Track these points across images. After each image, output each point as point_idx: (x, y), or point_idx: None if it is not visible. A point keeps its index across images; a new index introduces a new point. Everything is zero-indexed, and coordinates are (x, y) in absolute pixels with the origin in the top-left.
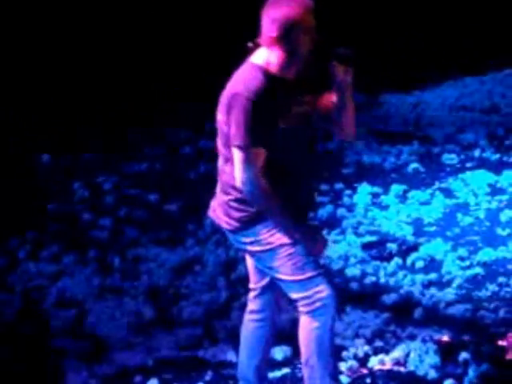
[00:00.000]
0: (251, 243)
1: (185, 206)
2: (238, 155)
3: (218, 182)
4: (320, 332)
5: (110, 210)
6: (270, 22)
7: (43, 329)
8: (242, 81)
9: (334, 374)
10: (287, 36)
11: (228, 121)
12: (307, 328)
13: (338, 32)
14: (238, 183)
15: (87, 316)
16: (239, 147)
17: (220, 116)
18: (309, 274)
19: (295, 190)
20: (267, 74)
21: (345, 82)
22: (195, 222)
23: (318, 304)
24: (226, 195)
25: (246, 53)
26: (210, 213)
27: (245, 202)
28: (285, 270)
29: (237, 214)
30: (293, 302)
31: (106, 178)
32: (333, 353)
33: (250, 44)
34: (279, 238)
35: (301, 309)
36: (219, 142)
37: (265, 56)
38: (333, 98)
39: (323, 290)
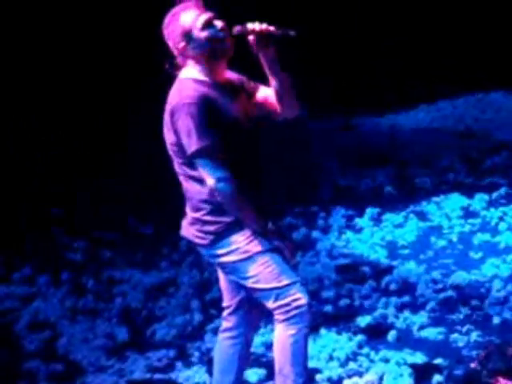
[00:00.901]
0: (227, 254)
1: (160, 227)
2: (199, 162)
3: (186, 202)
4: (295, 340)
5: (85, 232)
6: (171, 38)
7: (15, 352)
8: (178, 94)
9: (308, 382)
10: (191, 42)
11: (177, 137)
12: (282, 336)
13: (313, 57)
14: (212, 187)
15: (60, 338)
16: (198, 152)
17: (168, 139)
18: (286, 282)
19: (254, 193)
20: (199, 82)
21: (267, 56)
22: (170, 243)
23: (294, 312)
24: (197, 212)
25: (171, 74)
26: (183, 232)
27: (218, 213)
28: (261, 278)
29: (211, 228)
30: (269, 315)
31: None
32: (306, 361)
33: (167, 65)
34: (255, 245)
35: (277, 317)
36: (176, 166)
37: (188, 70)
38: (265, 88)
39: (300, 298)
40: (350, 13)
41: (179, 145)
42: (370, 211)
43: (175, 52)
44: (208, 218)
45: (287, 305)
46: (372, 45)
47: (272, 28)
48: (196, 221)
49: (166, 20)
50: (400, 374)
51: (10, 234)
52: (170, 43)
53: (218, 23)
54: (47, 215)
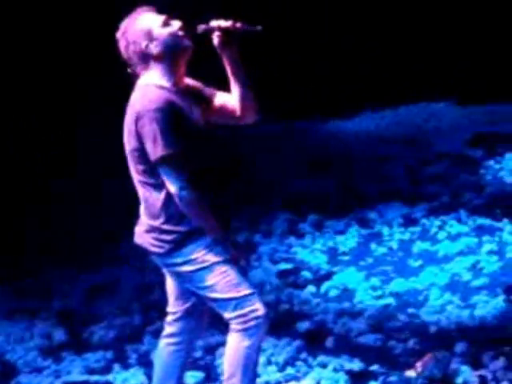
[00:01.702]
0: (184, 263)
1: (102, 229)
2: (163, 169)
3: (142, 208)
4: (249, 351)
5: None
6: (131, 42)
7: None
8: (142, 100)
9: None
10: (153, 41)
11: (140, 143)
12: (237, 345)
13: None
14: (174, 194)
15: None
16: (163, 159)
17: (129, 145)
18: (244, 292)
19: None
20: (162, 88)
21: (231, 56)
22: (112, 245)
23: (252, 323)
24: (155, 220)
25: (131, 80)
26: (137, 239)
27: (176, 221)
28: (219, 288)
29: (169, 237)
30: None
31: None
32: (256, 371)
33: (129, 70)
34: (213, 255)
35: (234, 327)
36: (134, 173)
37: (149, 76)
38: (222, 93)
39: (258, 309)
40: (297, 16)
41: (142, 151)
42: (312, 217)
43: (135, 57)
44: (166, 226)
45: (245, 315)
46: (318, 49)
47: (238, 24)
48: (153, 229)
49: (123, 26)
50: (336, 380)
51: None
52: (131, 48)
53: (176, 23)
54: None
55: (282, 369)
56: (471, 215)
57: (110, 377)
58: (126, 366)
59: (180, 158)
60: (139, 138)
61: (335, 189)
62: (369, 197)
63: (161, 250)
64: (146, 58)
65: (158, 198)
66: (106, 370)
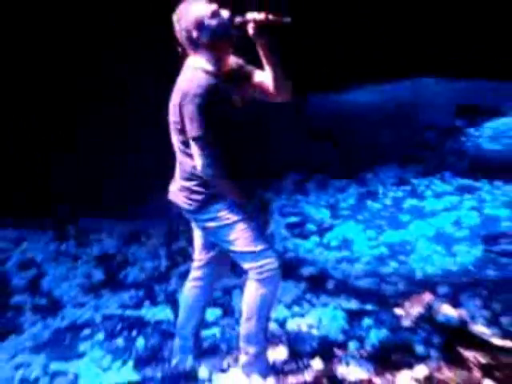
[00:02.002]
0: (209, 220)
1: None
2: (195, 146)
3: (177, 170)
4: (265, 298)
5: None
6: (184, 29)
7: (4, 287)
8: (187, 83)
9: (267, 332)
10: (203, 30)
11: (181, 118)
12: (254, 293)
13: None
14: (199, 169)
15: (44, 277)
16: (195, 139)
17: (172, 118)
18: (260, 247)
19: (235, 168)
20: (206, 72)
21: (263, 44)
22: (142, 198)
23: (267, 274)
24: (188, 181)
25: (181, 59)
26: (171, 197)
27: (204, 185)
28: (239, 243)
29: (198, 197)
30: (242, 271)
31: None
32: (270, 314)
33: (179, 50)
34: (234, 214)
35: (251, 276)
36: (174, 141)
37: (197, 59)
38: (260, 72)
39: (273, 263)
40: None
41: (182, 124)
42: (316, 177)
43: (187, 42)
44: (196, 188)
45: (261, 267)
46: (320, 27)
47: (270, 16)
48: (185, 189)
49: (178, 13)
50: (336, 317)
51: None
52: (183, 34)
53: (225, 12)
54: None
55: (289, 307)
56: (454, 176)
57: (141, 312)
58: (155, 303)
59: (209, 140)
60: (181, 113)
61: (336, 153)
62: (366, 160)
63: (191, 207)
64: (195, 44)
65: (193, 165)
66: (138, 305)
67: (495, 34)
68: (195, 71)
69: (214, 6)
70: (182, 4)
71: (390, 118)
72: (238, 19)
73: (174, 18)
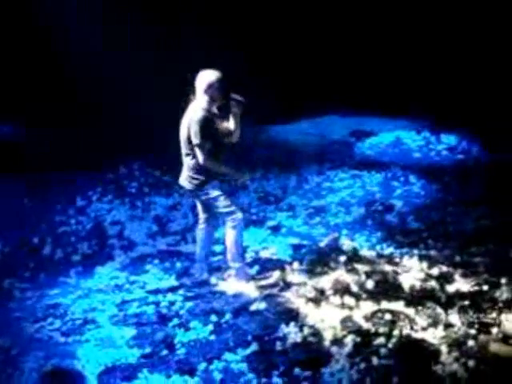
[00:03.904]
0: (204, 195)
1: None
2: (197, 149)
3: (184, 167)
4: (237, 234)
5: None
6: (203, 84)
7: (102, 236)
8: (193, 113)
9: (243, 254)
10: (211, 89)
11: (188, 132)
12: (230, 233)
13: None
14: (200, 162)
15: (125, 230)
16: (197, 145)
17: (183, 134)
18: (232, 208)
19: (224, 161)
20: (205, 109)
21: (236, 112)
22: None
23: (237, 222)
24: (189, 172)
25: (189, 100)
26: (180, 182)
27: (199, 174)
28: (221, 206)
29: (196, 181)
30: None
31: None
32: (243, 244)
33: (191, 96)
34: (217, 191)
35: (228, 224)
36: (182, 149)
37: (200, 102)
38: (230, 123)
39: (239, 216)
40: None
41: (189, 138)
42: (274, 171)
43: (199, 92)
44: (194, 175)
45: (233, 220)
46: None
47: (239, 98)
48: (188, 177)
49: (199, 76)
50: (286, 248)
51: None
52: (198, 87)
53: (224, 84)
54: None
55: (260, 243)
56: (349, 169)
57: (179, 248)
58: (186, 243)
59: (205, 145)
60: (189, 131)
61: (280, 157)
62: (300, 162)
63: (191, 187)
64: (203, 94)
65: (192, 162)
66: (177, 244)
67: (374, 82)
68: (198, 108)
69: (218, 74)
70: (206, 72)
71: (310, 138)
72: (232, 95)
73: (201, 78)
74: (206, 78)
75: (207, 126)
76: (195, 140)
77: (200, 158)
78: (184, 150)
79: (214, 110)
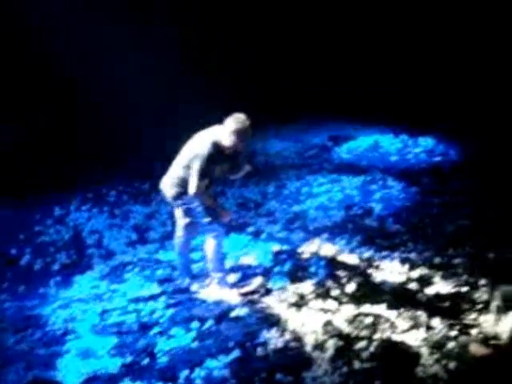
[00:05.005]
0: (182, 204)
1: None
2: (193, 178)
3: (170, 173)
4: (216, 246)
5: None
6: (229, 128)
7: (81, 244)
8: (208, 142)
9: (223, 264)
10: (232, 134)
11: (191, 161)
12: (210, 244)
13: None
14: (190, 191)
15: (104, 238)
16: (195, 175)
17: (184, 152)
18: (210, 219)
19: (213, 193)
20: (217, 144)
21: (243, 168)
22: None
23: (217, 232)
24: (174, 179)
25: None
26: (161, 186)
27: (184, 187)
28: (199, 216)
29: (178, 189)
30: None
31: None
32: (223, 257)
33: (217, 125)
34: (194, 202)
35: (207, 235)
36: (180, 160)
37: (220, 133)
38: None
39: (217, 228)
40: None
41: (190, 161)
42: (256, 180)
43: (227, 130)
44: (179, 185)
45: (214, 229)
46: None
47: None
48: (173, 184)
49: (240, 120)
50: (266, 253)
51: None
52: (232, 126)
53: (247, 139)
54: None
55: (240, 249)
56: (328, 173)
57: (159, 255)
58: (165, 250)
59: (202, 180)
60: (193, 158)
61: (258, 163)
62: (279, 167)
63: (173, 195)
64: (228, 133)
65: (182, 175)
66: (156, 252)
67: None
68: (211, 139)
69: (250, 131)
70: (229, 120)
71: (289, 144)
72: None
73: (235, 117)
74: (241, 123)
75: (211, 163)
76: (195, 172)
77: (191, 187)
78: (182, 162)
79: (225, 147)
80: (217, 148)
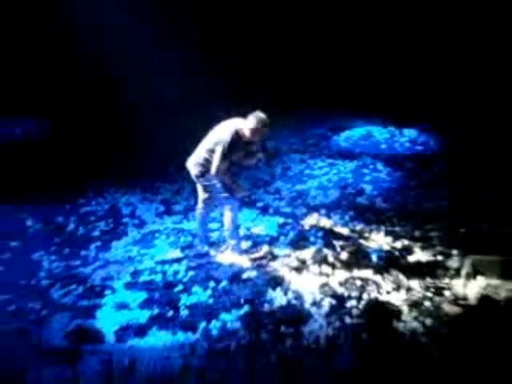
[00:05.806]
0: (205, 181)
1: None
2: (216, 160)
3: (196, 153)
4: (232, 217)
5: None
6: (252, 124)
7: (118, 214)
8: (229, 130)
9: (238, 233)
10: (255, 130)
11: (214, 145)
12: (227, 216)
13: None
14: (212, 171)
15: (137, 209)
16: (217, 158)
17: (209, 137)
18: (227, 194)
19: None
20: (238, 133)
21: (259, 157)
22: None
23: (231, 206)
24: (199, 160)
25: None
26: (187, 164)
27: (206, 166)
28: (219, 193)
29: (201, 169)
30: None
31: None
32: (237, 224)
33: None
34: (215, 180)
35: (225, 208)
36: (205, 144)
37: (242, 124)
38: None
39: (234, 202)
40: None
41: (214, 145)
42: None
43: (249, 123)
44: (203, 164)
45: (230, 203)
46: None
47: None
48: (197, 164)
49: (261, 118)
50: (273, 225)
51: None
52: (253, 121)
53: (264, 135)
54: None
55: (252, 222)
56: (327, 158)
57: (183, 225)
58: (188, 221)
59: (223, 161)
60: (217, 142)
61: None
62: (286, 153)
63: (196, 173)
64: (249, 126)
65: (206, 156)
66: (181, 222)
67: (347, 83)
68: (234, 128)
69: (268, 130)
70: (251, 118)
71: (297, 132)
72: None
73: (257, 114)
74: (261, 123)
75: (231, 149)
76: (217, 155)
77: (213, 167)
78: (207, 145)
79: (243, 137)
80: (237, 137)
